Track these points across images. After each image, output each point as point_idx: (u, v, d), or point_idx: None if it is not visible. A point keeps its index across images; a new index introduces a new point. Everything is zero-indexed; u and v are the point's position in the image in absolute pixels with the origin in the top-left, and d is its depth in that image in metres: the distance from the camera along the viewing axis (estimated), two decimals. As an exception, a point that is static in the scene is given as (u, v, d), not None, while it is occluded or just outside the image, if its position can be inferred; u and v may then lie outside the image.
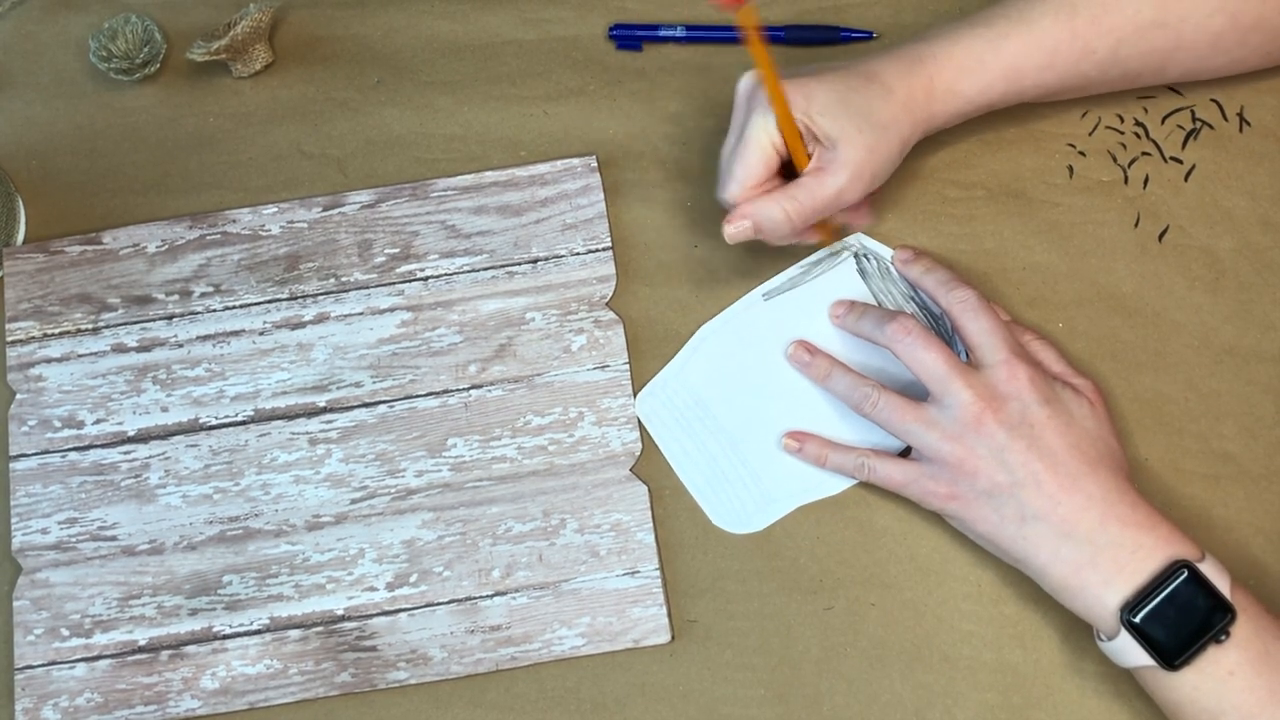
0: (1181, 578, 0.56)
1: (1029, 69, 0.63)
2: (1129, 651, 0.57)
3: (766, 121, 0.61)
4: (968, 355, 0.62)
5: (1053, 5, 0.63)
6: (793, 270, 0.68)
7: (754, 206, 0.62)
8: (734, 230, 0.62)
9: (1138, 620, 0.56)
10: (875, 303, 0.67)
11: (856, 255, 0.68)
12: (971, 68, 0.63)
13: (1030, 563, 0.60)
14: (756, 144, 0.61)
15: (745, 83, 0.63)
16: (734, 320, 0.68)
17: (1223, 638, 0.56)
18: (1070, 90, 0.66)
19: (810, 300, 0.68)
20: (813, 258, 0.69)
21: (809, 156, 0.62)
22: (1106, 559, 0.57)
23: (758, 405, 0.67)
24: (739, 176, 0.62)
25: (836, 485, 0.65)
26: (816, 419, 0.66)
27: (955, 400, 0.60)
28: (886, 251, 0.68)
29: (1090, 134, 0.70)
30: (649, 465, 0.67)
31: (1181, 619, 0.56)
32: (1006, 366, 0.60)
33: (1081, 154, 0.70)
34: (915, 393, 0.62)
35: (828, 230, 0.67)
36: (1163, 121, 0.70)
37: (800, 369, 0.67)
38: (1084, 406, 0.61)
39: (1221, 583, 0.57)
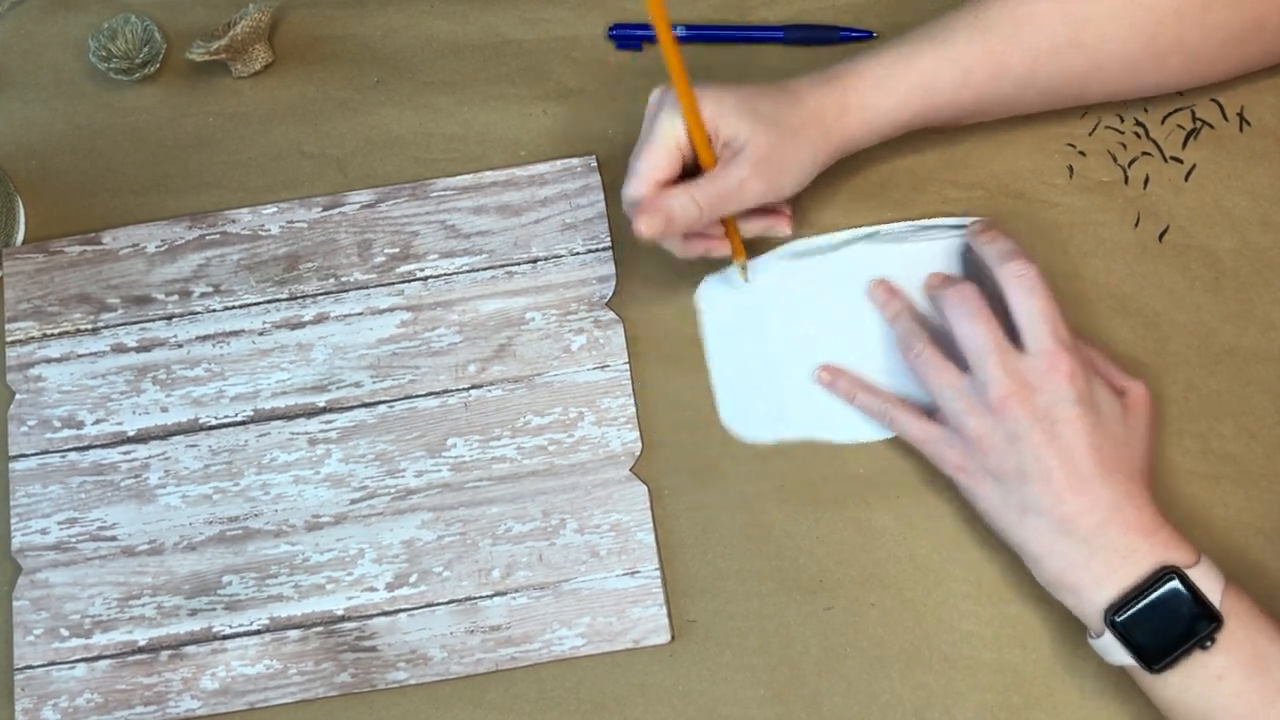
0: (1168, 584, 0.56)
1: (944, 86, 0.63)
2: (1114, 651, 0.57)
3: (673, 122, 0.61)
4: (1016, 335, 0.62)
5: (966, 22, 0.63)
6: (904, 226, 0.68)
7: (664, 197, 0.61)
8: (647, 221, 0.60)
9: (1121, 622, 0.57)
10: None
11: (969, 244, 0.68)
12: (885, 83, 0.63)
13: (1025, 550, 0.60)
14: (661, 142, 0.61)
15: (655, 95, 0.63)
16: (829, 246, 0.69)
17: (1208, 644, 0.56)
18: (990, 110, 0.66)
19: (908, 259, 0.68)
20: (930, 221, 0.68)
21: (715, 157, 0.62)
22: (1100, 561, 0.58)
23: (813, 334, 0.68)
24: (642, 172, 0.61)
25: (848, 434, 0.66)
26: (862, 367, 0.67)
27: (987, 377, 0.60)
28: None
29: (1090, 134, 0.70)
30: (649, 465, 0.67)
31: (1164, 624, 0.56)
32: (1049, 356, 0.59)
33: (1081, 154, 0.70)
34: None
35: (738, 239, 0.66)
36: (1163, 121, 0.70)
37: (876, 303, 0.67)
38: (1116, 410, 0.60)
39: (1213, 589, 0.57)
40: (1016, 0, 0.63)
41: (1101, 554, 0.58)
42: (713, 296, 0.69)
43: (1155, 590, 0.56)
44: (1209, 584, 0.57)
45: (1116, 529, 0.58)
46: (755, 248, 0.69)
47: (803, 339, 0.68)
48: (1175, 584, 0.56)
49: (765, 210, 0.67)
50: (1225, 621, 0.56)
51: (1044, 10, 0.63)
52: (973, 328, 0.61)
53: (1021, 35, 0.63)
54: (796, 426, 0.67)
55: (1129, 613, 0.56)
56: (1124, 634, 0.57)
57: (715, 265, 0.69)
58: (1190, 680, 0.56)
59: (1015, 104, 0.66)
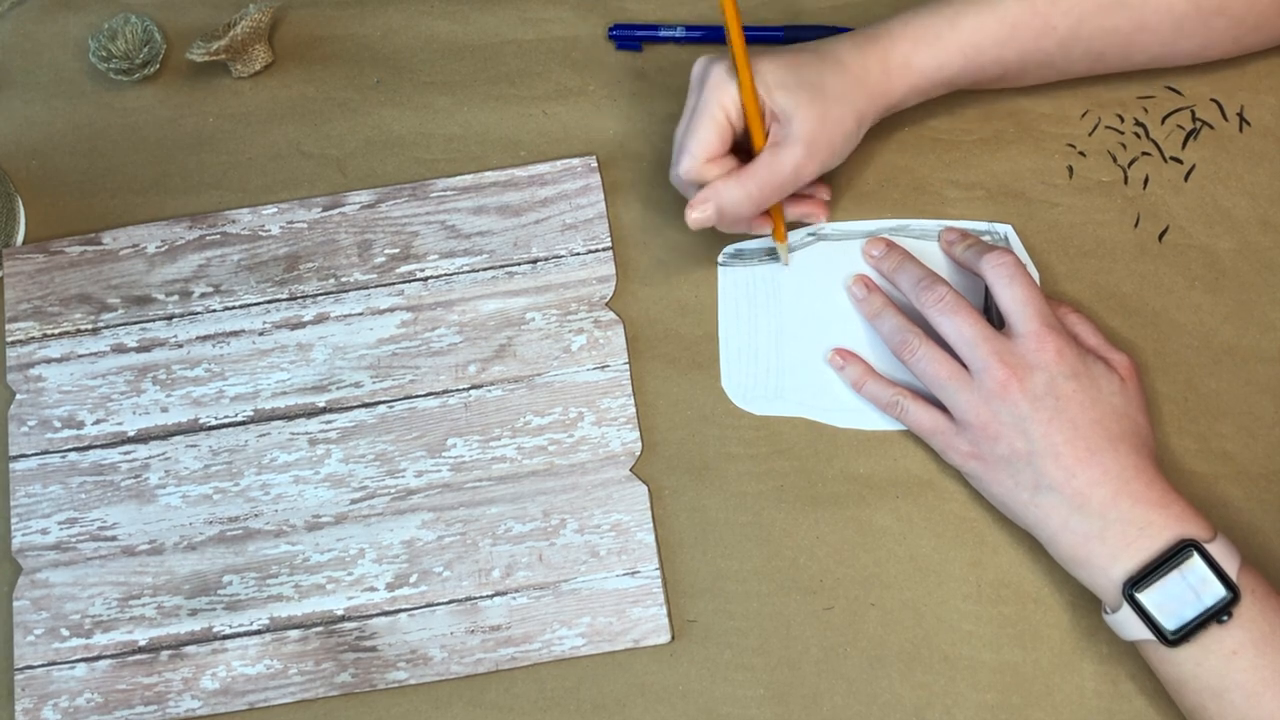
0: (1187, 557, 0.57)
1: (987, 44, 0.63)
2: (1130, 625, 0.58)
3: (721, 96, 0.61)
4: (1001, 322, 0.63)
5: None
6: (932, 223, 0.69)
7: (715, 190, 0.62)
8: (697, 215, 0.62)
9: (1138, 595, 0.57)
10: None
11: (996, 241, 0.69)
12: (928, 41, 0.63)
13: (1040, 530, 0.61)
14: (710, 117, 0.62)
15: (698, 67, 0.63)
16: (855, 233, 0.69)
17: (1224, 618, 0.56)
18: (1033, 70, 0.66)
19: (929, 256, 0.68)
20: (957, 223, 0.69)
21: (765, 132, 0.62)
22: (1115, 534, 0.58)
23: (825, 316, 0.68)
24: (692, 150, 0.62)
25: (841, 419, 0.66)
26: (868, 355, 0.67)
27: (983, 366, 0.60)
28: (1025, 256, 0.68)
29: (1090, 134, 0.70)
30: (649, 465, 0.67)
31: (1182, 598, 0.56)
32: (1036, 337, 0.60)
33: (1081, 154, 0.70)
34: None
35: (781, 222, 0.67)
36: (1163, 121, 0.70)
37: (855, 302, 0.68)
38: (1114, 382, 0.61)
39: (1230, 564, 0.57)
40: None
41: (1116, 526, 0.58)
42: (734, 262, 0.69)
43: (1174, 563, 0.57)
44: (1227, 558, 0.57)
45: (1128, 501, 0.58)
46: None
47: (813, 319, 0.68)
48: (1194, 557, 0.56)
49: (804, 196, 0.68)
50: (1241, 597, 0.56)
51: None
52: (958, 321, 0.62)
53: None
54: (791, 404, 0.67)
55: (1147, 585, 0.57)
56: (1141, 607, 0.57)
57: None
58: (1205, 654, 0.56)
59: (1058, 65, 0.66)
